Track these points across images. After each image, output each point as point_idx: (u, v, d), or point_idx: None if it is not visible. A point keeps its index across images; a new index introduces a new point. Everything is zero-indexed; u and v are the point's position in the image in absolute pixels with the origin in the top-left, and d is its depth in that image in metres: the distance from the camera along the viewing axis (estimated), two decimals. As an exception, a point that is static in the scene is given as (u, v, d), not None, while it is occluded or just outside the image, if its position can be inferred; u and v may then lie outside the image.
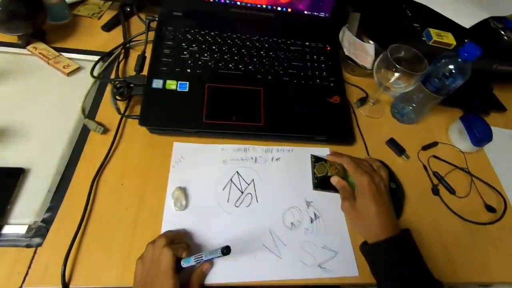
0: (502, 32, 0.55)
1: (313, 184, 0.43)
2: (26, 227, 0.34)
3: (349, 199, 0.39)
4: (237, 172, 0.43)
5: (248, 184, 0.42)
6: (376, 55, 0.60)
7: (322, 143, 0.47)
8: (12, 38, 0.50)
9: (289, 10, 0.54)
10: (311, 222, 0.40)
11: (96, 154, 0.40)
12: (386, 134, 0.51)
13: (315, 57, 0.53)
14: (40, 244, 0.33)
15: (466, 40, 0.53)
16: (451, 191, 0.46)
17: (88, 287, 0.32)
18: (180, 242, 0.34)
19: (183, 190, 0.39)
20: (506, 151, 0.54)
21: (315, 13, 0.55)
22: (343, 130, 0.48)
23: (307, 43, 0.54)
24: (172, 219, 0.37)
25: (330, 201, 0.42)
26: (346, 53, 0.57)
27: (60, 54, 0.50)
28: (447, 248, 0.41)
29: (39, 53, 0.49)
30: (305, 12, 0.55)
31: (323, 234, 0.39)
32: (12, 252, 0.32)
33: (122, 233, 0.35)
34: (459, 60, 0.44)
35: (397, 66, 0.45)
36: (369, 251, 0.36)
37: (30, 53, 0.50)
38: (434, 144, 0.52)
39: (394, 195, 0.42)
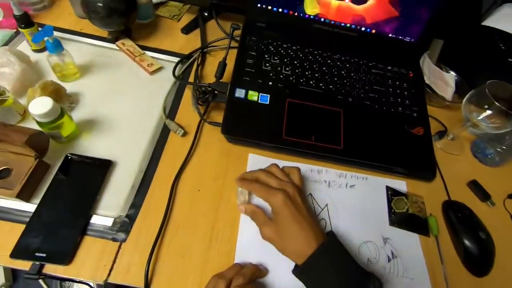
0: None
1: (390, 220, 0.40)
2: (112, 220, 0.34)
3: (268, 224, 0.33)
4: (310, 194, 0.41)
5: (322, 209, 0.40)
6: (457, 87, 0.56)
7: (399, 175, 0.44)
8: (103, 32, 0.53)
9: (373, 31, 0.52)
10: (388, 261, 0.37)
11: (175, 156, 0.41)
12: (467, 175, 0.47)
13: (397, 83, 0.50)
14: (124, 240, 0.34)
15: None
16: (545, 250, 0.41)
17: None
18: (254, 279, 0.32)
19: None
20: None
21: (400, 37, 0.53)
22: (425, 164, 0.44)
23: (389, 67, 0.52)
24: (247, 234, 0.36)
25: (408, 241, 0.39)
26: (426, 81, 0.54)
27: (144, 52, 0.52)
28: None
29: (127, 49, 0.52)
30: (390, 35, 0.52)
31: (401, 276, 0.36)
32: (100, 243, 0.33)
33: (199, 241, 0.35)
34: None
35: (495, 103, 0.41)
36: (302, 271, 0.31)
37: (118, 48, 0.52)
38: (523, 192, 0.47)
39: (483, 246, 0.38)
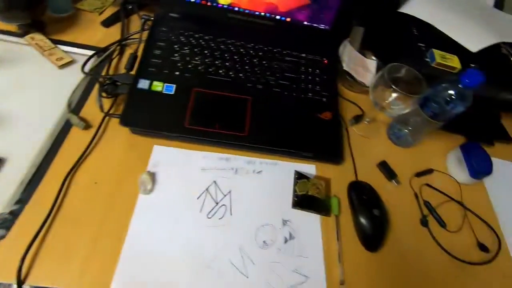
0: (513, 59, 0.52)
1: (292, 202, 0.41)
2: (-9, 218, 0.33)
3: None
4: (214, 182, 0.41)
5: (225, 195, 0.40)
6: (378, 72, 0.58)
7: (309, 159, 0.45)
8: (13, 27, 0.51)
9: (288, 19, 0.53)
10: (285, 242, 0.38)
11: (75, 150, 0.40)
12: (379, 156, 0.49)
13: (310, 69, 0.51)
14: (3, 237, 0.33)
15: (472, 65, 0.51)
16: (442, 224, 0.43)
17: (44, 286, 0.31)
18: None
19: (152, 174, 0.39)
20: (508, 186, 0.50)
21: (315, 25, 0.53)
22: (331, 148, 0.45)
23: (303, 55, 0.53)
24: (141, 223, 0.36)
25: (308, 222, 0.40)
26: (345, 68, 0.55)
27: (57, 46, 0.51)
28: (429, 285, 0.38)
29: (36, 43, 0.50)
30: (304, 22, 0.53)
31: (296, 256, 0.37)
32: (-27, 243, 0.32)
33: (87, 235, 0.34)
34: (460, 86, 0.41)
35: (393, 86, 0.43)
36: None
37: (27, 43, 0.50)
38: (429, 171, 0.49)
39: (376, 222, 0.40)
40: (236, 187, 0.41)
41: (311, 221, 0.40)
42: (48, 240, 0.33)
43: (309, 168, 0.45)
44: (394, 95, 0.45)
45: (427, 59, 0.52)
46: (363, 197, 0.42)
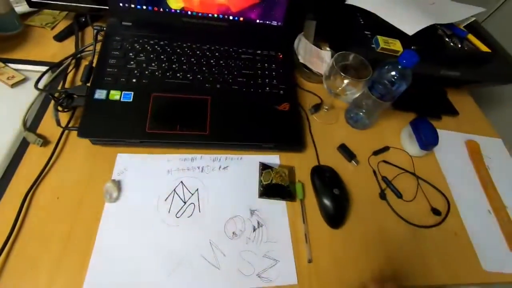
0: (447, 39, 0.57)
1: (259, 192, 0.43)
2: None
3: None
4: (181, 182, 0.42)
5: (192, 194, 0.41)
6: (331, 62, 0.61)
7: (272, 150, 0.47)
8: (-44, 49, 0.49)
9: (241, 19, 0.55)
10: (254, 230, 0.40)
11: (33, 168, 0.39)
12: (339, 140, 0.52)
13: (266, 65, 0.53)
14: (-40, 264, 0.32)
15: (413, 47, 0.55)
16: (398, 195, 0.47)
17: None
18: None
19: (117, 183, 0.39)
20: (456, 154, 0.55)
21: (267, 22, 0.56)
22: (292, 137, 0.48)
23: (258, 51, 0.55)
24: (106, 237, 0.36)
25: (275, 209, 0.42)
26: (301, 61, 0.58)
27: (6, 65, 0.49)
28: (390, 252, 0.41)
29: (-17, 64, 0.48)
30: (257, 21, 0.55)
31: (265, 242, 0.39)
32: None
33: (52, 250, 0.34)
34: (399, 67, 0.45)
35: (341, 73, 0.46)
36: None
37: (-27, 65, 0.49)
38: (386, 149, 0.53)
39: (337, 201, 0.43)
40: (203, 185, 0.42)
41: (277, 208, 0.42)
42: (11, 261, 0.33)
43: (273, 158, 0.47)
44: (345, 81, 0.48)
45: (373, 45, 0.56)
46: (325, 180, 0.45)
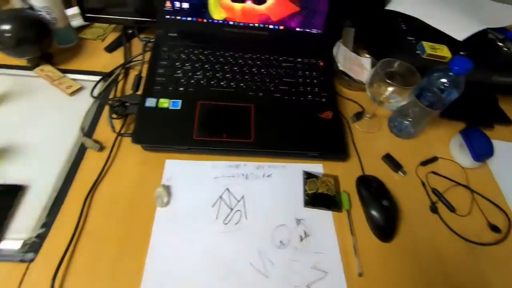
0: (501, 44, 0.54)
1: (304, 201, 0.42)
2: (21, 242, 0.35)
3: None
4: (227, 189, 0.43)
5: (238, 201, 0.42)
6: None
7: (315, 159, 0.47)
8: (22, 61, 0.54)
9: (281, 28, 0.55)
10: (301, 240, 0.39)
11: (91, 172, 0.42)
12: (383, 150, 0.50)
13: (307, 73, 0.53)
14: (32, 260, 0.34)
15: (461, 53, 0.53)
16: (451, 208, 0.44)
17: (75, 304, 0.33)
18: None
19: (167, 188, 0.41)
20: (512, 166, 0.51)
21: (307, 30, 0.56)
22: (336, 146, 0.47)
23: (299, 59, 0.55)
24: (159, 240, 0.37)
25: (321, 219, 0.41)
26: (341, 68, 0.57)
27: (65, 75, 0.54)
28: (447, 271, 0.39)
29: (45, 74, 0.53)
30: (297, 29, 0.56)
31: (313, 253, 0.38)
32: (6, 267, 0.33)
33: (110, 252, 0.36)
34: (451, 73, 0.43)
35: (387, 80, 0.45)
36: None
37: (37, 75, 0.53)
38: (434, 159, 0.50)
39: (386, 213, 0.41)
40: (248, 192, 0.43)
41: (323, 218, 0.41)
42: (75, 260, 0.35)
43: (316, 167, 0.46)
44: (390, 89, 0.46)
45: (418, 52, 0.54)
46: (372, 190, 0.44)
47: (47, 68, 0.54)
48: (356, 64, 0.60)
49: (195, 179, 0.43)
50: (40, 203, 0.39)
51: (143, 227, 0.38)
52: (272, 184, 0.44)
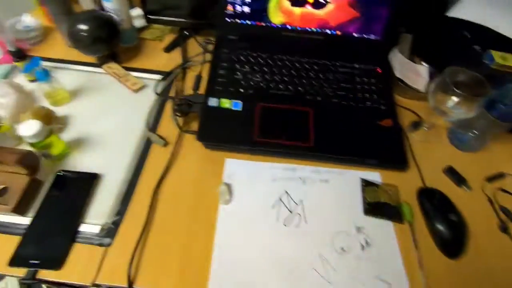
0: None
1: (364, 210, 0.42)
2: (99, 227, 0.38)
3: None
4: (286, 191, 0.43)
5: (297, 204, 0.42)
6: (431, 78, 0.58)
7: (373, 167, 0.46)
8: (91, 58, 0.58)
9: (339, 33, 0.55)
10: (362, 249, 0.38)
11: (157, 165, 0.44)
12: (443, 162, 0.48)
13: (365, 79, 0.53)
14: (109, 244, 0.37)
15: (538, 64, 0.49)
16: (524, 229, 0.42)
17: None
18: None
19: (228, 186, 0.42)
20: None
21: (365, 36, 0.55)
22: (395, 154, 0.46)
23: (356, 65, 0.54)
24: (224, 235, 0.38)
25: (382, 229, 0.40)
26: (397, 75, 0.56)
27: (129, 73, 0.57)
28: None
29: (112, 72, 0.56)
30: (355, 34, 0.55)
31: (375, 263, 0.37)
32: (87, 249, 0.36)
33: (179, 243, 0.37)
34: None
35: (456, 90, 0.43)
36: None
37: (104, 71, 0.57)
38: (500, 175, 0.47)
39: (454, 228, 0.39)
40: (306, 196, 0.43)
41: (385, 228, 0.40)
42: (147, 248, 0.37)
43: (374, 175, 0.46)
44: (455, 99, 0.45)
45: (485, 61, 0.51)
46: (435, 203, 0.42)
47: (114, 66, 0.58)
48: (413, 72, 0.58)
49: (254, 179, 0.44)
50: (113, 191, 0.41)
51: (207, 222, 0.39)
52: (330, 189, 0.44)
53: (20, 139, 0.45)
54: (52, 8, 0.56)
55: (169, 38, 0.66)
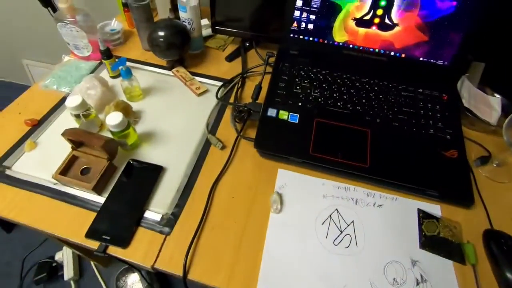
0: None
1: (421, 243, 0.39)
2: (160, 215, 0.41)
3: None
4: (336, 210, 0.43)
5: (348, 225, 0.41)
6: (503, 111, 0.53)
7: (433, 198, 0.43)
8: (162, 62, 0.65)
9: (403, 55, 0.54)
10: (417, 284, 0.36)
11: (214, 166, 0.47)
12: (514, 203, 0.44)
13: (429, 105, 0.50)
14: (169, 233, 0.40)
15: None
16: None
17: (201, 282, 0.36)
18: None
19: (280, 195, 0.43)
20: None
21: (432, 60, 0.53)
22: (460, 189, 0.43)
23: (420, 90, 0.52)
24: (273, 242, 0.39)
25: (440, 267, 0.38)
26: (465, 105, 0.53)
27: (194, 78, 0.62)
28: None
29: (180, 75, 0.62)
30: (421, 58, 0.54)
31: (431, 302, 0.35)
32: (149, 234, 0.39)
33: (230, 243, 0.39)
34: None
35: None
36: None
37: (173, 75, 0.63)
38: None
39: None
40: (358, 218, 0.42)
41: (443, 266, 0.38)
42: (201, 242, 0.39)
43: (433, 208, 0.43)
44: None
45: None
46: (505, 249, 0.38)
47: (181, 70, 0.63)
48: (483, 103, 0.55)
49: (305, 192, 0.44)
50: (174, 185, 0.45)
51: (259, 228, 0.40)
52: (384, 215, 0.42)
53: (100, 126, 0.51)
54: (136, 15, 0.63)
55: (231, 48, 0.70)
